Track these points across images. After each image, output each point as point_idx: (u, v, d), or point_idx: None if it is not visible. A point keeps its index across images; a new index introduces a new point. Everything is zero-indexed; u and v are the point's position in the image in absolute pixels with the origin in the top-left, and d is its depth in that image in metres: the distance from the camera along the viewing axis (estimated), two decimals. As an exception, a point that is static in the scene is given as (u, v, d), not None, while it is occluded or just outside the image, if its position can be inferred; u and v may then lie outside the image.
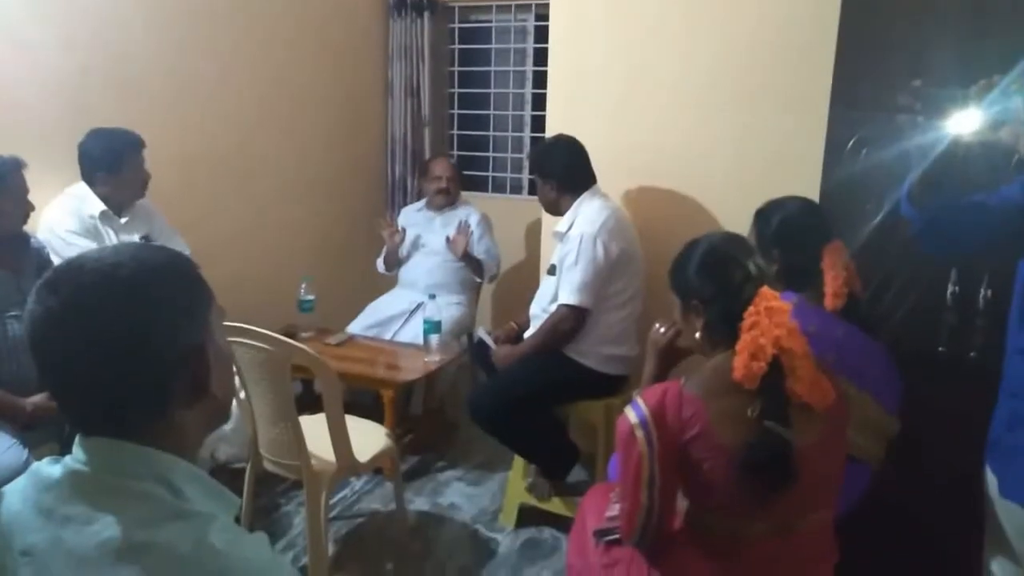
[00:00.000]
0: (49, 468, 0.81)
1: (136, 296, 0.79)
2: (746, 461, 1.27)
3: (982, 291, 1.82)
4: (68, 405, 0.81)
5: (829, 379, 1.38)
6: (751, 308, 1.33)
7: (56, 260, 2.31)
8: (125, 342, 0.78)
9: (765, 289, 1.36)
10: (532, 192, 3.78)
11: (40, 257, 2.29)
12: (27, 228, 2.30)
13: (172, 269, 0.85)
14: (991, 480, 1.53)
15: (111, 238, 2.54)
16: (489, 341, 2.79)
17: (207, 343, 0.85)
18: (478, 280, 3.67)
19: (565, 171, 2.59)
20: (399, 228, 3.63)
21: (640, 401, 1.36)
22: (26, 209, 2.23)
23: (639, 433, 1.33)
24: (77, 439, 0.82)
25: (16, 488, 0.82)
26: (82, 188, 2.55)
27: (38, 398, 2.09)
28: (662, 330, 1.66)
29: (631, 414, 1.35)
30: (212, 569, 0.74)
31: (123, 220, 2.61)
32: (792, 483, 1.27)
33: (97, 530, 0.74)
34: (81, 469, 0.79)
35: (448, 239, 3.49)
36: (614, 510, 1.54)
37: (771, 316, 1.32)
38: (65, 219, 2.49)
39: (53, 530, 0.75)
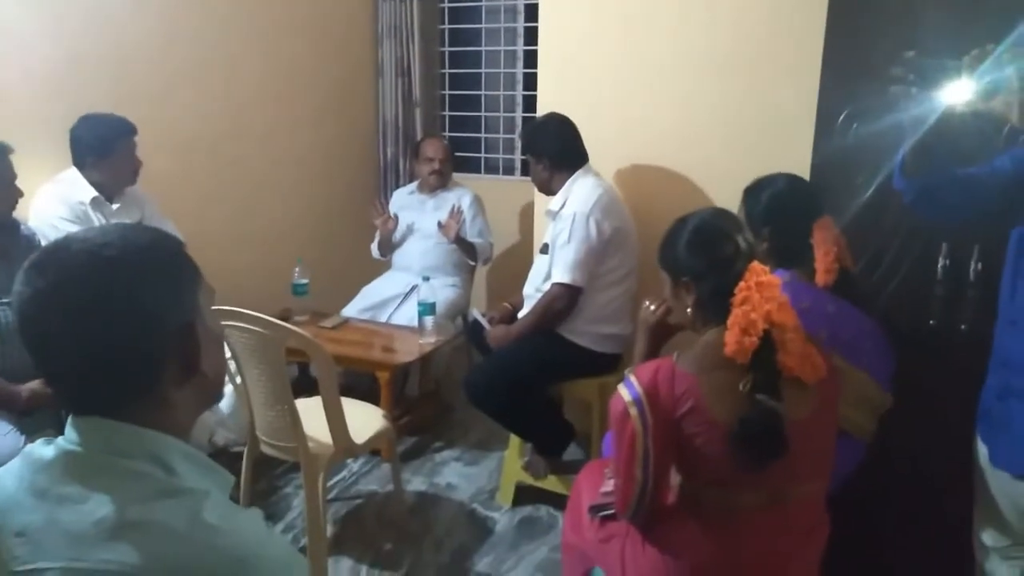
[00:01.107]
0: (42, 449, 0.81)
1: (123, 275, 0.79)
2: (739, 435, 1.28)
3: (972, 264, 1.83)
4: (59, 386, 0.82)
5: (820, 354, 1.39)
6: (742, 283, 1.33)
7: (46, 246, 2.30)
8: (113, 321, 0.78)
9: (755, 264, 1.36)
10: (525, 173, 3.75)
11: (31, 244, 2.27)
12: (18, 215, 2.28)
13: (158, 248, 0.85)
14: (982, 450, 1.54)
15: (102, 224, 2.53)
16: (484, 322, 2.80)
17: (196, 321, 0.85)
18: (472, 263, 3.67)
19: (557, 150, 2.59)
20: (391, 215, 3.62)
21: (633, 379, 1.36)
22: (14, 195, 2.21)
23: (633, 411, 1.33)
24: (69, 420, 0.82)
25: (9, 470, 0.82)
26: (73, 173, 2.54)
27: (34, 384, 2.09)
28: (652, 308, 1.67)
29: (625, 392, 1.36)
30: (206, 545, 0.75)
31: (115, 206, 2.60)
32: (784, 455, 1.28)
33: (91, 509, 0.74)
34: (74, 449, 0.80)
35: (440, 224, 3.48)
36: (609, 486, 1.55)
37: (762, 291, 1.32)
38: (55, 206, 2.48)
39: (47, 510, 0.76)
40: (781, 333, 1.31)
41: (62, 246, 0.81)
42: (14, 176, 2.19)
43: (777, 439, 1.27)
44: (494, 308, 3.03)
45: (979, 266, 1.82)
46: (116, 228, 0.85)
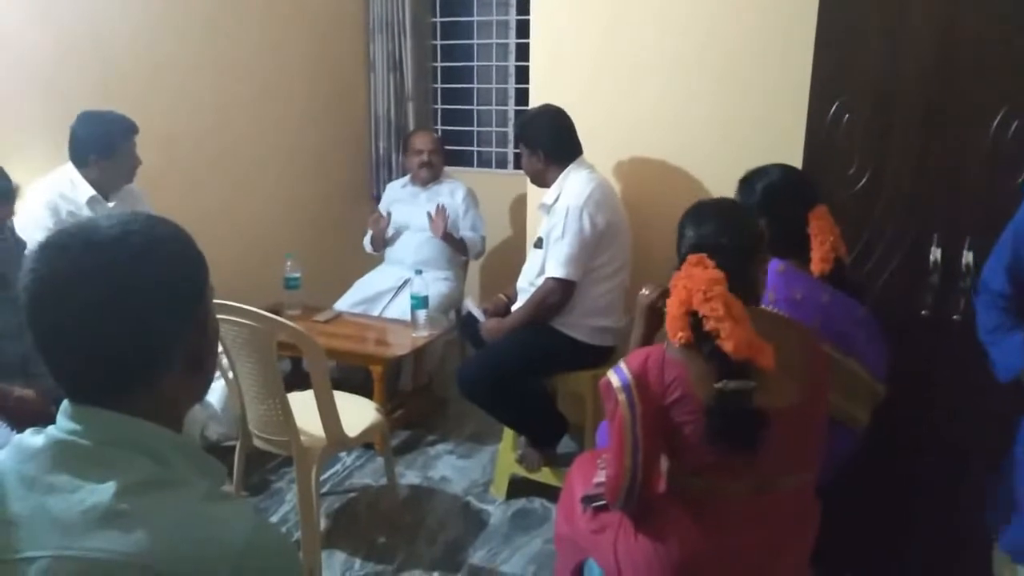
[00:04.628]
0: (31, 438, 0.80)
1: (145, 263, 0.79)
2: (708, 425, 1.29)
3: (964, 254, 1.83)
4: (62, 370, 0.80)
5: (810, 342, 1.39)
6: (677, 273, 1.36)
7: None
8: (131, 307, 0.77)
9: (692, 256, 1.37)
10: (517, 166, 3.75)
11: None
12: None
13: (179, 240, 0.85)
14: None
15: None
16: (478, 313, 2.79)
17: (205, 316, 0.85)
18: (463, 258, 3.66)
19: (552, 141, 2.57)
20: (383, 214, 3.61)
21: (623, 365, 1.36)
22: None
23: (621, 397, 1.34)
24: (62, 408, 0.81)
25: (-2, 459, 0.81)
26: (70, 171, 2.50)
27: (27, 392, 2.02)
28: (647, 292, 1.67)
29: (614, 378, 1.36)
30: (198, 536, 0.74)
31: (110, 204, 2.57)
32: (754, 443, 1.28)
33: (82, 497, 0.74)
34: (65, 438, 0.78)
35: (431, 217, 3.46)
36: (601, 476, 1.56)
37: (691, 281, 1.32)
38: (42, 213, 2.42)
39: (37, 499, 0.75)
40: (712, 322, 1.29)
41: (88, 227, 0.80)
42: None
43: (745, 425, 1.27)
44: (488, 301, 3.02)
45: (971, 257, 1.82)
46: (140, 216, 0.84)
